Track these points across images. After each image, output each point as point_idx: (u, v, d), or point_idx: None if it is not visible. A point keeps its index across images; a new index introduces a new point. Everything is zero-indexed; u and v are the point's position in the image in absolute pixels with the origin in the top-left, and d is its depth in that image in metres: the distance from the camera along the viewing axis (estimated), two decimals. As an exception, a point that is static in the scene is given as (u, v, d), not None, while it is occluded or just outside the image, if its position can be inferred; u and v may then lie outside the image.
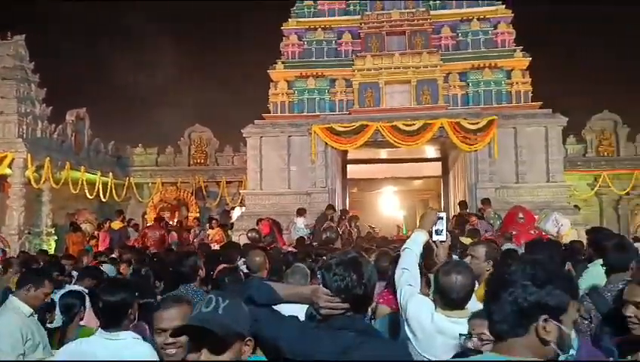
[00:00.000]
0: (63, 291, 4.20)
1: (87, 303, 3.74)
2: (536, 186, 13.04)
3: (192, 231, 14.38)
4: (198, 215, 17.16)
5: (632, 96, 22.78)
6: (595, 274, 3.98)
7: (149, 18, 30.06)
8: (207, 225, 13.93)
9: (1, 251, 11.20)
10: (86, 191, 15.27)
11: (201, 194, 17.96)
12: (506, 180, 13.11)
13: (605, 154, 16.81)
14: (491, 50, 14.49)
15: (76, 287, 4.45)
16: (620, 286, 3.02)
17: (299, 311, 2.23)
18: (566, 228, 8.58)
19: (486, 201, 11.55)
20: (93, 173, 15.95)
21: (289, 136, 13.81)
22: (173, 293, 3.82)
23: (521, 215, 9.37)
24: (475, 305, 2.45)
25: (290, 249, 8.54)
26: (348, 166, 15.58)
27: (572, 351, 1.50)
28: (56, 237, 14.60)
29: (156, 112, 27.32)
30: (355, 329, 1.89)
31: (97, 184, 15.91)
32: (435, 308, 2.57)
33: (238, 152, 18.05)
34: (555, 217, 8.66)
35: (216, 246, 10.12)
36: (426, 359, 2.47)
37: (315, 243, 9.79)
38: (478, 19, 14.73)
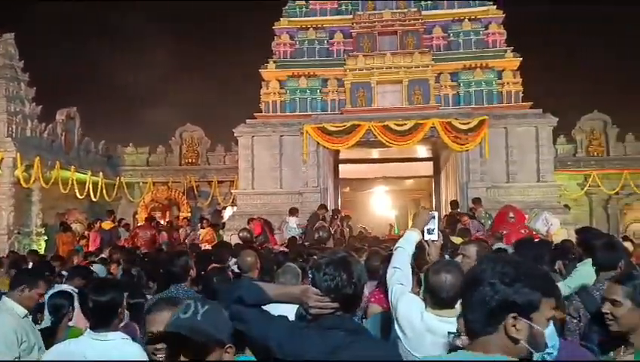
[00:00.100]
0: (52, 291, 4.17)
1: (76, 303, 3.71)
2: (527, 186, 13.12)
3: (181, 230, 14.29)
4: (189, 215, 17.09)
5: (622, 96, 23.01)
6: (584, 274, 4.01)
7: (140, 18, 29.94)
8: (199, 224, 13.88)
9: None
10: (76, 190, 15.16)
11: (192, 194, 17.89)
12: (497, 180, 13.19)
13: (595, 154, 16.94)
14: (482, 50, 14.56)
15: (66, 287, 4.42)
16: (609, 285, 3.04)
17: (290, 311, 2.22)
18: (556, 228, 8.64)
19: (477, 201, 11.61)
20: (83, 173, 15.84)
21: (281, 136, 13.80)
22: (165, 293, 3.81)
23: (511, 214, 9.42)
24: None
25: (281, 248, 8.53)
26: (340, 165, 15.60)
27: (553, 351, 1.48)
28: (46, 237, 14.49)
29: (147, 112, 27.23)
30: (345, 329, 1.89)
31: (88, 184, 15.81)
32: (425, 307, 2.57)
33: (229, 152, 18.00)
34: (545, 216, 8.71)
35: (207, 247, 10.08)
36: (415, 358, 2.47)
37: (307, 243, 9.78)
38: (470, 19, 14.80)
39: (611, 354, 2.39)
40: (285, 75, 14.73)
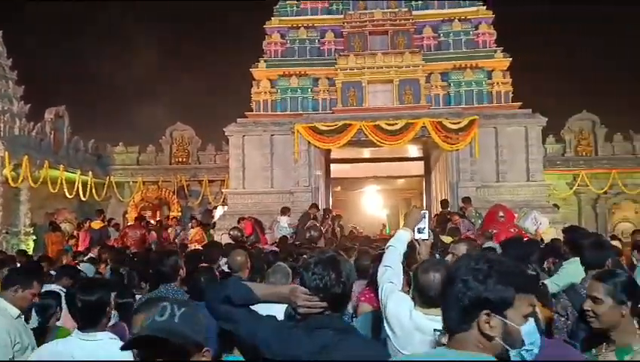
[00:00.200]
0: (39, 291, 4.12)
1: (64, 303, 3.68)
2: (517, 185, 13.21)
3: (170, 229, 14.21)
4: (179, 214, 17.02)
5: (610, 96, 23.22)
6: (571, 272, 4.05)
7: (129, 16, 29.76)
8: (190, 224, 13.82)
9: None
10: (65, 190, 15.04)
11: (183, 194, 17.81)
12: (487, 179, 13.27)
13: (584, 154, 17.08)
14: (472, 50, 14.64)
15: (54, 287, 4.38)
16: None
17: (279, 311, 2.22)
18: (544, 227, 8.71)
19: (467, 200, 11.67)
20: (72, 172, 15.71)
21: (272, 135, 13.79)
22: (154, 293, 3.79)
23: (501, 213, 9.48)
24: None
25: (272, 248, 8.51)
26: (331, 165, 15.61)
27: (533, 348, 1.48)
28: (34, 237, 14.34)
29: (137, 111, 27.06)
30: (334, 328, 1.89)
31: (77, 183, 15.68)
32: (414, 305, 2.58)
33: (220, 151, 17.94)
34: (534, 216, 8.77)
35: (197, 246, 10.04)
36: (404, 356, 2.48)
37: (298, 242, 9.77)
38: (460, 19, 14.87)
39: (593, 351, 2.41)
40: (276, 74, 14.71)
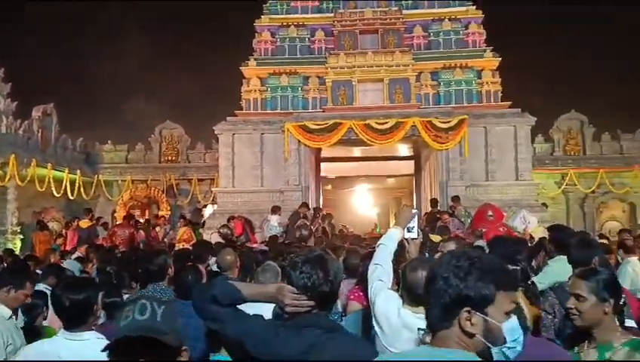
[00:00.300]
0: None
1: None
2: (506, 184, 13.30)
3: (158, 228, 14.11)
4: (169, 213, 16.93)
5: (599, 96, 23.43)
6: (556, 270, 4.08)
7: (120, 14, 29.55)
8: (179, 223, 13.75)
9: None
10: (53, 188, 14.90)
11: (172, 192, 17.73)
12: (476, 178, 13.33)
13: (572, 153, 17.24)
14: (462, 50, 14.70)
15: (40, 286, 4.34)
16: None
17: (268, 310, 2.22)
18: (533, 226, 8.74)
19: (456, 199, 11.72)
20: (60, 171, 15.57)
21: (262, 134, 13.75)
22: (143, 293, 3.76)
23: (490, 212, 9.50)
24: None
25: (261, 247, 8.48)
26: (321, 164, 15.60)
27: (516, 346, 1.47)
28: (22, 236, 14.21)
29: (126, 109, 26.87)
30: (321, 327, 1.89)
31: (65, 181, 15.54)
32: (403, 303, 2.59)
33: (210, 149, 17.88)
34: (522, 215, 8.80)
35: (185, 246, 9.98)
36: (391, 354, 2.49)
37: (287, 241, 9.75)
38: (450, 19, 14.93)
39: (575, 348, 2.43)
40: (266, 72, 14.68)
